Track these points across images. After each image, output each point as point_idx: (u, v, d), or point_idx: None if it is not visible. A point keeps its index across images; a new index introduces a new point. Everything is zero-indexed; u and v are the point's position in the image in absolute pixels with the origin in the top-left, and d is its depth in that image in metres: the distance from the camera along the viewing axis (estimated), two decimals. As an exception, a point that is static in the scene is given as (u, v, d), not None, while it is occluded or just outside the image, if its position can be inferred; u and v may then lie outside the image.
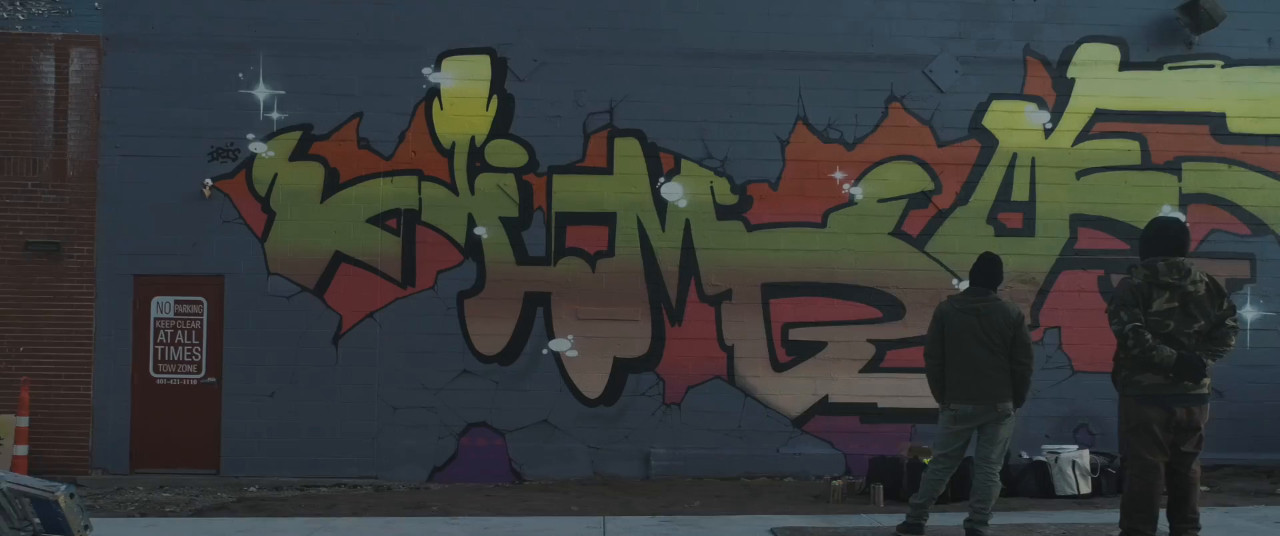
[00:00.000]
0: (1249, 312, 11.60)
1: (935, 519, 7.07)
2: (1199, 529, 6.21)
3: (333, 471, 11.05)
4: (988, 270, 6.98)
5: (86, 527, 5.91)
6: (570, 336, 11.28)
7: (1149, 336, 6.08)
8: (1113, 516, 6.46)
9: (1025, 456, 9.59)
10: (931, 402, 11.41)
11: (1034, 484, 9.07)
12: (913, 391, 11.17)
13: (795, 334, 11.38)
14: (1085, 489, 8.87)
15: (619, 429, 11.27)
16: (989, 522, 6.72)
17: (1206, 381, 6.17)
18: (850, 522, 7.42)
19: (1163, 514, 6.28)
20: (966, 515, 6.76)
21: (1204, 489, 9.55)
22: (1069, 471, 8.88)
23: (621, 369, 11.30)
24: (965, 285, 11.31)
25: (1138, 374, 6.18)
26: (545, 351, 11.26)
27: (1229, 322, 6.19)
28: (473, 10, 11.34)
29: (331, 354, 11.16)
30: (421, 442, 11.16)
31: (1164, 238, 6.33)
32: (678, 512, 8.04)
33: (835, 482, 9.32)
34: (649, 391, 11.29)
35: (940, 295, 11.36)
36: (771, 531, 7.00)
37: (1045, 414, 11.39)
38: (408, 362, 11.17)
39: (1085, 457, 9.02)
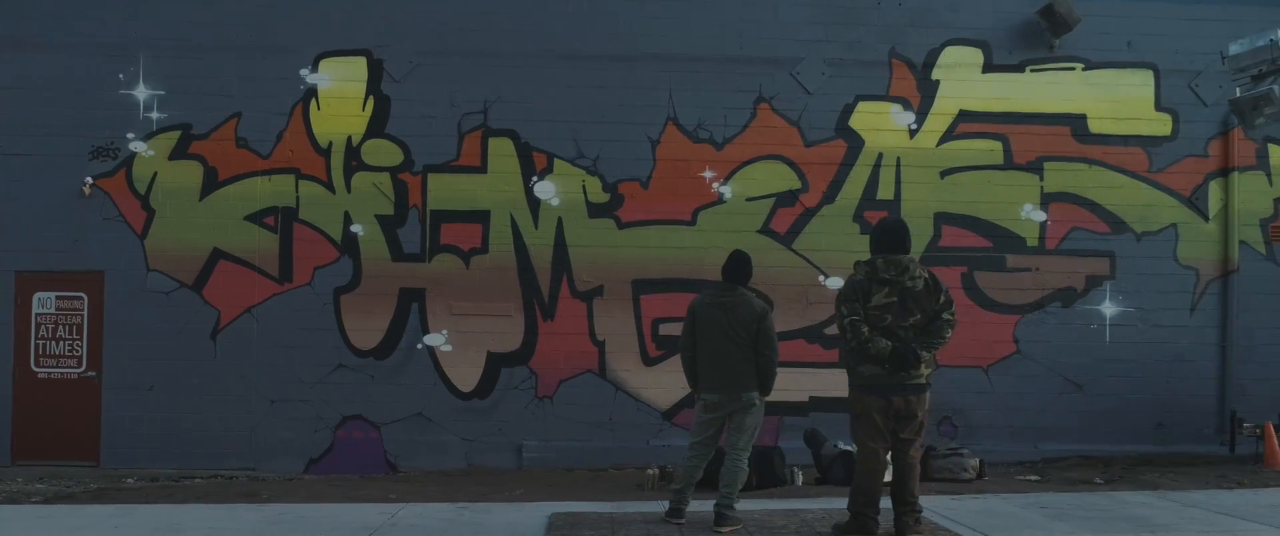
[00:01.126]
0: (1108, 309, 11.92)
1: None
2: (918, 511, 6.50)
3: (211, 463, 11.30)
4: (736, 267, 7.27)
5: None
6: (444, 331, 11.55)
7: (865, 329, 6.38)
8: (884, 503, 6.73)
9: (839, 446, 9.89)
10: (799, 395, 11.89)
11: (842, 472, 9.36)
12: (781, 386, 11.30)
13: (665, 329, 11.65)
14: (888, 476, 9.12)
15: (493, 421, 11.54)
16: (735, 505, 7.01)
17: (924, 372, 6.48)
18: (634, 508, 7.70)
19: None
20: (716, 500, 7.05)
21: (1034, 478, 9.93)
22: (871, 460, 9.15)
23: (495, 363, 11.57)
24: (829, 281, 11.74)
25: (859, 365, 6.48)
26: (420, 346, 11.53)
27: (945, 316, 6.49)
28: (349, 12, 11.60)
29: (210, 348, 11.42)
30: (298, 435, 11.42)
31: (885, 237, 6.64)
32: (496, 500, 8.32)
33: (649, 471, 9.61)
34: (522, 385, 11.57)
35: (808, 291, 11.80)
36: (550, 517, 7.31)
37: (910, 407, 11.69)
38: (284, 357, 11.43)
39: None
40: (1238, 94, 10.37)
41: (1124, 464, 10.96)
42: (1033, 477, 9.90)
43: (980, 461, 9.71)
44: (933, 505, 7.53)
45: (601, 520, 7.17)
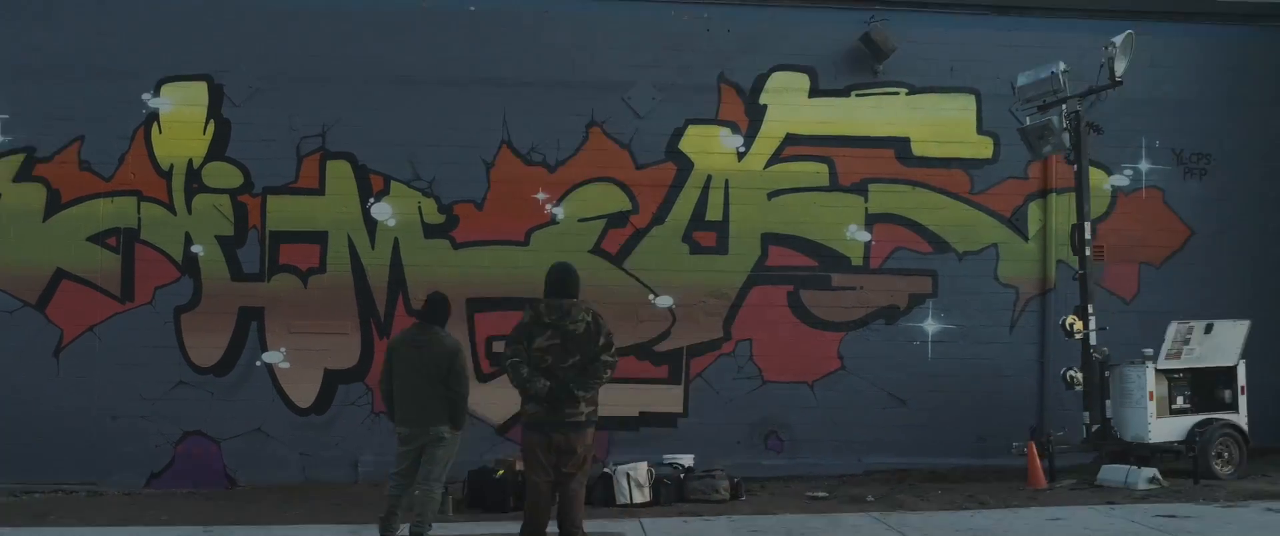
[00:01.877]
0: (930, 326, 12.33)
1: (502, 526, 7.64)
2: (581, 540, 6.90)
3: (53, 477, 11.60)
4: (432, 309, 7.69)
5: None
6: (283, 349, 11.88)
7: (525, 370, 6.77)
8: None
9: (603, 469, 10.26)
10: (629, 410, 12.21)
11: (601, 493, 9.75)
12: (611, 401, 11.54)
13: (499, 346, 11.88)
14: (641, 498, 9.56)
15: (330, 436, 11.89)
16: (428, 533, 7.40)
17: (583, 410, 6.86)
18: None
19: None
20: (409, 527, 7.45)
21: (822, 495, 10.32)
22: (624, 483, 9.61)
23: (332, 380, 11.91)
24: (659, 299, 12.07)
25: (526, 403, 6.87)
26: (258, 363, 11.86)
27: (604, 358, 6.90)
28: (191, 38, 11.91)
29: (52, 366, 11.72)
30: (139, 450, 11.73)
31: (551, 282, 7.05)
32: (278, 523, 8.65)
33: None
34: (358, 401, 11.92)
35: (638, 309, 12.14)
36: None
37: (737, 421, 12.10)
38: (126, 374, 11.73)
39: (642, 470, 9.73)
40: (1027, 123, 10.82)
41: (921, 478, 11.34)
42: (822, 494, 10.28)
43: (734, 482, 10.09)
44: (652, 526, 7.86)
45: (339, 540, 7.56)
